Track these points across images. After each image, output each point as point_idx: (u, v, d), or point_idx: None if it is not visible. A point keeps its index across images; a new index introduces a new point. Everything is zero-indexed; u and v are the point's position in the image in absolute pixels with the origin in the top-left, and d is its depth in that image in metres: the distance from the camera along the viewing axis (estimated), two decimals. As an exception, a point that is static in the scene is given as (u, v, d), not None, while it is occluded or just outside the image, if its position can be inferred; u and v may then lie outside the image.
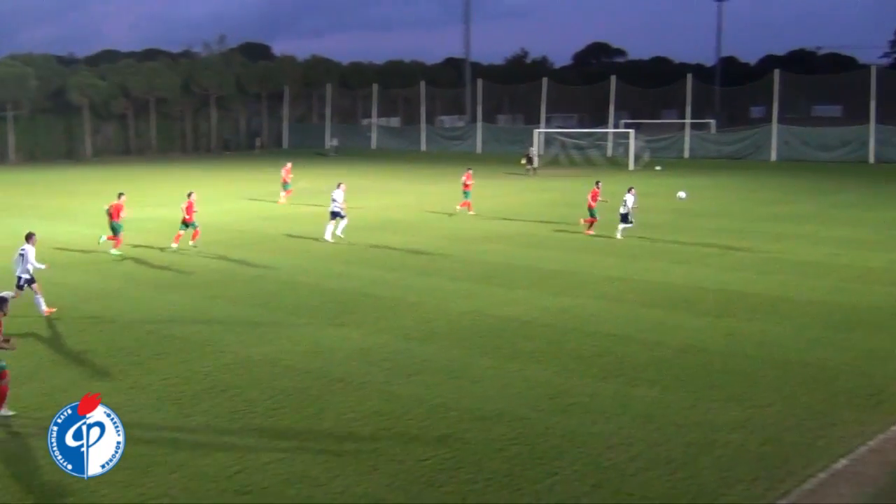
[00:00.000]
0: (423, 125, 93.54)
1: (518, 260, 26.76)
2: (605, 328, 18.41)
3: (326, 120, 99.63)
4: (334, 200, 30.27)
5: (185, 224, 28.51)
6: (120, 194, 28.10)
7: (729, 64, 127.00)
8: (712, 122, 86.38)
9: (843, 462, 11.59)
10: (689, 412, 13.38)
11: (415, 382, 14.80)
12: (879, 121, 69.43)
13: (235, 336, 17.69)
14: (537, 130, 76.52)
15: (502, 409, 13.44)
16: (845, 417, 13.11)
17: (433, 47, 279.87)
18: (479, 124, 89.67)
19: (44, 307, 19.40)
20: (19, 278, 19.40)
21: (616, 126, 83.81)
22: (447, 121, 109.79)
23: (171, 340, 17.36)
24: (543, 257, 27.23)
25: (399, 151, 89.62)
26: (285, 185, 42.97)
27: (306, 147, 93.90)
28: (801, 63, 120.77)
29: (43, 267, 19.76)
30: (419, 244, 29.70)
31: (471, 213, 37.47)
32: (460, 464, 11.56)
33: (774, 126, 73.63)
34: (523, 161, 65.28)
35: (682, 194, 27.69)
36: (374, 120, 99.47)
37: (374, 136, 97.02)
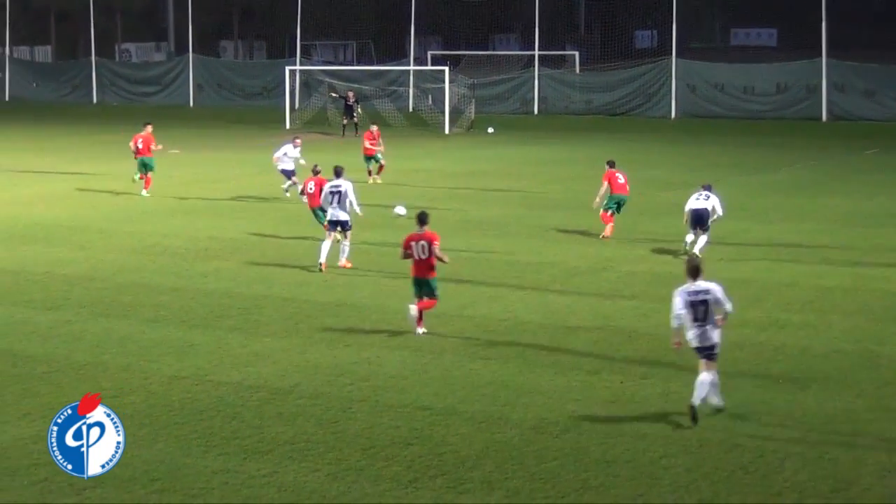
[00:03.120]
0: (93, 60, 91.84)
1: (267, 286, 26.95)
2: (414, 398, 18.65)
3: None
4: (285, 156, 39.93)
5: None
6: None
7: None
8: (575, 54, 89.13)
9: None
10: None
11: None
12: (834, 53, 73.46)
13: None
14: (290, 68, 76.65)
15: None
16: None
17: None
18: (191, 58, 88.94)
19: (344, 259, 28.23)
20: (336, 222, 28.10)
21: (420, 61, 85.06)
22: (136, 52, 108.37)
23: None
24: (306, 280, 27.52)
25: (52, 104, 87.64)
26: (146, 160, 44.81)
27: None
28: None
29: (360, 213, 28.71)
30: (92, 262, 29.64)
31: (379, 181, 44.31)
32: None
33: (674, 62, 76.70)
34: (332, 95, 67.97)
35: (400, 210, 28.08)
36: (7, 51, 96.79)
37: (7, 77, 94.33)
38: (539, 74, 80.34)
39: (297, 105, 75.58)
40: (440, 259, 22.10)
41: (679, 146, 59.15)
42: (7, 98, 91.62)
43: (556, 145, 60.00)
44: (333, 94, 71.70)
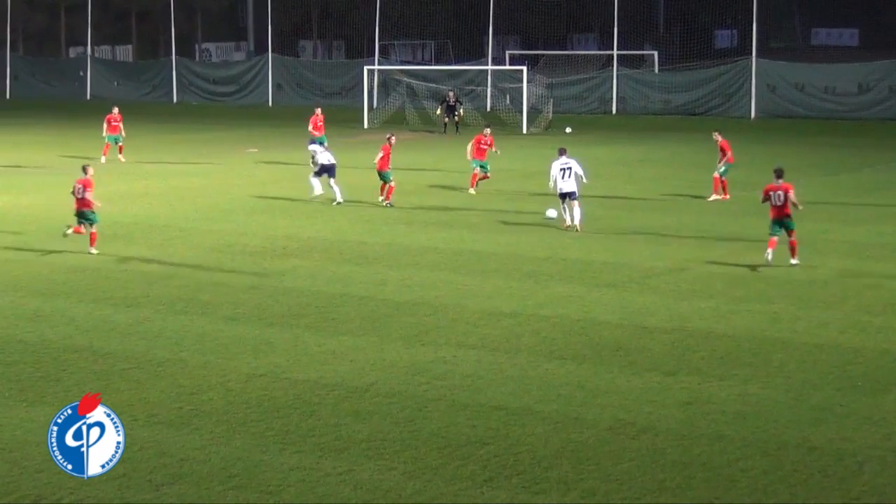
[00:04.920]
0: (173, 59, 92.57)
1: (344, 285, 26.99)
2: (490, 397, 18.63)
3: (6, 48, 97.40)
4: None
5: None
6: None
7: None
8: (653, 54, 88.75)
9: None
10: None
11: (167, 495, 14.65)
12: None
13: None
14: (368, 67, 76.88)
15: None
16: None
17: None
18: (270, 58, 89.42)
19: (577, 222, 33.45)
20: (568, 195, 33.54)
21: (498, 60, 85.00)
22: (216, 52, 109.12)
23: None
24: (384, 279, 27.54)
25: (132, 103, 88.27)
26: (320, 138, 47.75)
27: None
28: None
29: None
30: (171, 260, 29.88)
31: (471, 191, 42.06)
32: None
33: (754, 61, 76.16)
34: (439, 111, 68.96)
35: (551, 213, 34.95)
36: (89, 50, 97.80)
37: (88, 77, 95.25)
38: (617, 74, 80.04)
39: (374, 105, 75.77)
40: (795, 205, 27.82)
41: (759, 146, 58.50)
42: (88, 97, 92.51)
43: (634, 145, 59.67)
44: (439, 104, 71.32)
